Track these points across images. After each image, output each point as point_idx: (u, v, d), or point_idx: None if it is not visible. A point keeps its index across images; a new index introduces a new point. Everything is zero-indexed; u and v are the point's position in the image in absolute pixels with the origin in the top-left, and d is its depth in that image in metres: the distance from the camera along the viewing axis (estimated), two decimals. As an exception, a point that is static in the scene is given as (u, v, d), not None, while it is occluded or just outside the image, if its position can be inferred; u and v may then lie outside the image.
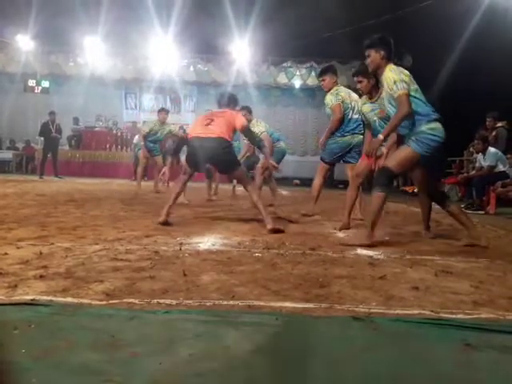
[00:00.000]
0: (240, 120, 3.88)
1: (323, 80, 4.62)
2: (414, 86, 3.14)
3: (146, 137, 7.42)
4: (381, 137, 3.14)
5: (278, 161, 5.93)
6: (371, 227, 3.10)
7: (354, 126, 4.49)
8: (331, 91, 4.50)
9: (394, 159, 3.13)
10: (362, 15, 10.92)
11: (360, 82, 3.83)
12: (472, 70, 9.65)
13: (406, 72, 3.15)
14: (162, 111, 7.54)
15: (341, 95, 4.46)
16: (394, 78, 3.06)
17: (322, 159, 4.78)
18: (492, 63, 8.92)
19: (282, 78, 15.14)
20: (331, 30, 11.62)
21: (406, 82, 3.05)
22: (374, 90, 3.86)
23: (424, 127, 3.07)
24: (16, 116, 14.84)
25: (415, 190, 11.03)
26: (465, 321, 1.57)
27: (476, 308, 1.74)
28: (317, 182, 4.76)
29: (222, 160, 3.81)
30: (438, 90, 11.71)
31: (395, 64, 3.19)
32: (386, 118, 3.58)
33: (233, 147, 3.97)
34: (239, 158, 6.46)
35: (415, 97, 3.10)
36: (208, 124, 3.78)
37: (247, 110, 5.92)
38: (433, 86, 11.71)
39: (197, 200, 6.12)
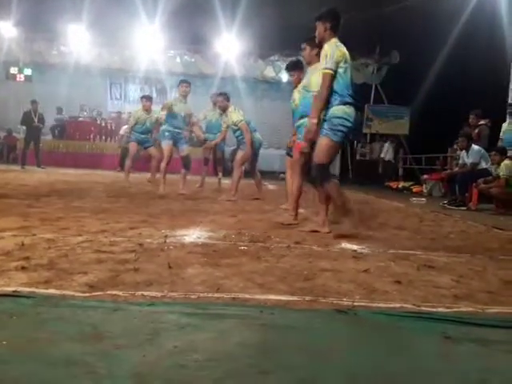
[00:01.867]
0: None
1: (293, 76, 4.60)
2: (345, 65, 3.19)
3: (133, 128, 7.21)
4: (314, 121, 3.20)
5: (255, 151, 5.89)
6: (346, 215, 3.19)
7: None
8: (298, 88, 4.46)
9: (321, 153, 3.22)
10: (351, 8, 10.91)
11: (304, 49, 3.91)
12: (461, 67, 9.75)
13: (344, 50, 3.21)
14: (144, 98, 7.33)
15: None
16: (328, 52, 3.14)
17: (288, 154, 4.77)
18: (481, 61, 9.03)
19: (270, 72, 15.07)
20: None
21: (336, 62, 3.13)
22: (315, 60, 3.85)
23: (335, 109, 3.16)
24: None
25: (399, 186, 11.19)
26: (445, 314, 1.60)
27: (456, 302, 1.78)
28: (288, 176, 4.76)
29: None
30: (425, 87, 11.85)
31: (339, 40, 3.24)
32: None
33: None
34: (214, 143, 6.48)
35: (341, 77, 3.17)
36: None
37: (223, 97, 5.89)
38: (421, 83, 11.84)
39: (175, 193, 6.08)
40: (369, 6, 10.68)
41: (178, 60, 14.75)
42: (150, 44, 13.35)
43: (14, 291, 1.58)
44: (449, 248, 3.02)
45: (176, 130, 6.09)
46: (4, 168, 10.41)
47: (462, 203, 6.71)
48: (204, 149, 7.46)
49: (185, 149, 6.25)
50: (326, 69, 3.12)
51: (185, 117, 6.17)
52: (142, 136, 7.27)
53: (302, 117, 3.86)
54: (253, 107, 14.59)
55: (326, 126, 3.20)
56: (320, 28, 3.27)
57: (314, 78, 3.49)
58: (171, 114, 6.01)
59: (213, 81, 13.75)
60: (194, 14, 11.02)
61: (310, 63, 3.92)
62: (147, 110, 7.21)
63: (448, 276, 2.20)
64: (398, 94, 13.13)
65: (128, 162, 7.53)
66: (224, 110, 5.89)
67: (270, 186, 9.52)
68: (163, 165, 6.05)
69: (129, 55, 14.07)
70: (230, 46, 13.45)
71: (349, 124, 3.18)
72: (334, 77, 3.13)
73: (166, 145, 6.06)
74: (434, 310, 1.65)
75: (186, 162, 6.30)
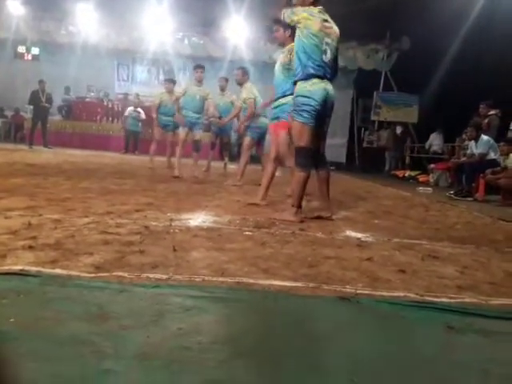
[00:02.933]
0: None
1: (276, 31, 4.21)
2: (307, 31, 3.12)
3: (157, 110, 7.20)
4: None
5: (259, 136, 5.84)
6: (298, 206, 3.21)
7: None
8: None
9: (297, 137, 3.24)
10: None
11: (277, 30, 3.93)
12: (473, 56, 9.60)
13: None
14: (168, 81, 7.44)
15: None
16: None
17: None
18: (494, 50, 8.87)
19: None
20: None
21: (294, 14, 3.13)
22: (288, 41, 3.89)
23: (298, 86, 3.19)
24: (5, 83, 14.48)
25: (406, 175, 11.13)
26: (449, 304, 1.60)
27: (460, 292, 1.78)
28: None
29: None
30: (436, 75, 11.69)
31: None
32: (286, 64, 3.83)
33: None
34: (226, 120, 6.50)
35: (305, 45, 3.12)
36: None
37: (240, 70, 5.86)
38: (432, 71, 11.68)
39: (189, 175, 6.10)
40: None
41: (186, 42, 14.60)
42: (159, 26, 13.22)
43: (21, 270, 1.60)
44: (454, 239, 3.01)
45: (194, 115, 6.34)
46: (11, 147, 10.45)
47: (468, 194, 6.67)
48: (212, 132, 7.51)
49: (197, 133, 6.47)
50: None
51: (200, 99, 6.33)
52: (164, 118, 7.26)
53: (278, 98, 4.01)
54: (261, 91, 14.45)
55: (293, 107, 3.26)
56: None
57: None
58: (187, 98, 6.25)
59: (221, 64, 13.59)
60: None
61: (284, 44, 3.96)
62: (169, 93, 7.22)
63: (452, 267, 2.20)
64: (408, 81, 12.94)
65: (153, 147, 7.52)
66: (241, 84, 5.85)
67: (276, 172, 9.50)
68: (178, 150, 6.33)
69: (137, 36, 13.95)
70: (239, 28, 13.28)
71: (313, 103, 3.13)
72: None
73: (182, 130, 6.39)
74: (438, 299, 1.65)
75: (196, 146, 6.56)
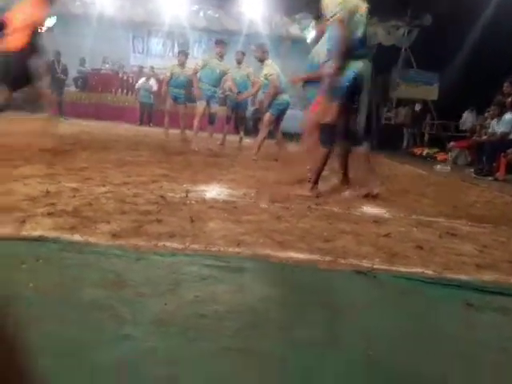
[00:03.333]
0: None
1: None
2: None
3: (168, 83, 7.19)
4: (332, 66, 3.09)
5: (279, 113, 5.79)
6: (314, 181, 3.20)
7: None
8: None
9: (320, 113, 3.18)
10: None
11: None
12: (496, 33, 9.23)
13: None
14: (181, 53, 7.37)
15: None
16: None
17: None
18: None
19: (295, 29, 14.56)
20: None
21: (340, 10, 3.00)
22: None
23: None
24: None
25: (423, 153, 10.94)
26: (468, 282, 1.58)
27: (478, 270, 1.75)
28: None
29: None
30: (457, 52, 11.31)
31: None
32: None
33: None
34: (248, 94, 6.42)
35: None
36: None
37: (259, 47, 5.77)
38: (453, 48, 11.29)
39: (204, 148, 6.08)
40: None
41: (202, 15, 14.33)
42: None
43: (40, 236, 1.62)
44: (473, 217, 2.95)
45: (211, 89, 6.31)
46: (29, 117, 10.52)
47: (488, 173, 6.53)
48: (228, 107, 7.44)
49: (214, 107, 6.46)
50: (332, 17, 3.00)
51: (220, 73, 6.26)
52: (175, 90, 7.24)
53: None
54: (277, 66, 14.21)
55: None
56: None
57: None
58: (207, 71, 6.19)
59: (237, 38, 13.34)
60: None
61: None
62: (181, 65, 7.15)
63: (471, 245, 2.17)
64: (428, 58, 12.55)
65: (166, 119, 7.55)
66: (261, 61, 5.76)
67: (293, 147, 9.41)
68: (195, 123, 6.30)
69: (152, 8, 13.73)
70: (255, 1, 12.96)
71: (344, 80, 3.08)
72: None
73: (200, 104, 6.33)
74: (457, 276, 1.63)
75: (212, 119, 6.58)
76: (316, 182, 3.22)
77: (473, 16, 10.51)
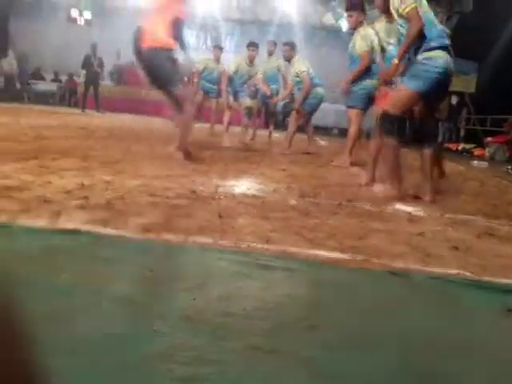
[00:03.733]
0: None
1: (350, 16, 4.25)
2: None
3: (199, 75, 7.19)
4: (396, 61, 2.87)
5: (313, 107, 5.73)
6: (396, 179, 2.97)
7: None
8: (360, 33, 4.16)
9: (391, 99, 2.98)
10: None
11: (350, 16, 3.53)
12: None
13: None
14: (216, 47, 7.37)
15: (371, 39, 4.13)
16: None
17: (353, 107, 4.53)
18: None
19: (329, 19, 14.32)
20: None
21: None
22: None
23: (421, 57, 2.83)
24: (59, 47, 14.90)
25: (459, 148, 10.59)
26: (508, 285, 1.51)
27: (519, 274, 1.67)
28: (353, 130, 4.58)
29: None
30: (499, 41, 10.83)
31: None
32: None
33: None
34: (281, 97, 6.34)
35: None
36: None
37: (289, 46, 5.70)
38: (496, 39, 10.82)
39: (235, 143, 6.09)
40: None
41: (235, 4, 14.30)
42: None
43: (74, 228, 1.65)
44: (512, 216, 2.83)
45: (238, 88, 6.39)
46: (66, 111, 10.85)
47: (529, 170, 6.26)
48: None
49: (248, 101, 6.43)
50: (408, 6, 2.75)
51: (248, 78, 6.30)
52: (208, 85, 7.27)
53: None
54: (310, 56, 14.02)
55: (408, 73, 2.92)
56: None
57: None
58: (236, 76, 6.25)
59: (269, 28, 13.27)
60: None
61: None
62: (216, 60, 7.17)
63: (511, 246, 2.07)
64: (467, 46, 12.06)
65: (194, 110, 7.62)
66: (289, 59, 5.71)
67: (322, 141, 9.31)
68: (225, 118, 6.36)
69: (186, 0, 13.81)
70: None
71: (437, 70, 2.82)
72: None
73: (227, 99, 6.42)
74: (496, 280, 1.56)
75: (249, 113, 6.54)
76: (399, 181, 2.99)
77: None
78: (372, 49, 4.15)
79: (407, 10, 2.77)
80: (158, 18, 3.53)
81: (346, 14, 4.36)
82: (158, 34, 3.45)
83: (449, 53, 2.88)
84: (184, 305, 1.17)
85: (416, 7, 2.77)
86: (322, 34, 15.06)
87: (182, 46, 3.64)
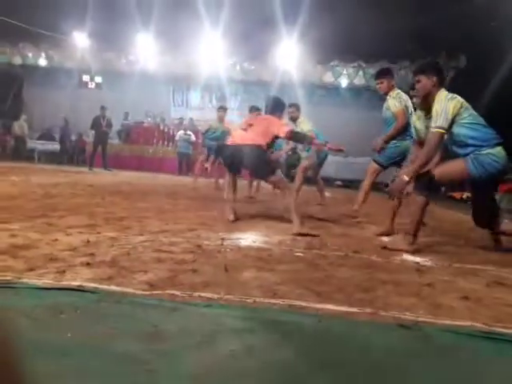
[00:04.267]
0: (283, 129, 3.87)
1: (381, 83, 4.43)
2: (468, 113, 3.02)
3: (204, 134, 7.68)
4: (405, 178, 2.96)
5: (321, 162, 5.91)
6: (413, 234, 3.00)
7: (412, 129, 4.31)
8: (392, 95, 4.32)
9: (442, 167, 3.06)
10: (412, 14, 10.54)
11: (418, 81, 3.28)
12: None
13: (457, 100, 3.01)
14: (220, 109, 7.68)
15: (403, 99, 4.29)
16: (438, 109, 2.98)
17: (376, 161, 4.60)
18: None
19: (328, 77, 14.92)
20: (380, 29, 11.31)
21: (447, 119, 2.94)
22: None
23: (484, 152, 2.95)
24: (70, 109, 15.54)
25: (463, 197, 10.58)
26: (522, 337, 1.46)
27: (533, 324, 1.62)
28: (367, 182, 4.62)
29: (255, 166, 3.90)
30: (494, 92, 11.16)
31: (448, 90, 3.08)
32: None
33: (267, 155, 4.04)
34: (283, 152, 6.45)
35: (471, 123, 3.00)
36: (246, 129, 3.97)
37: (295, 107, 5.91)
38: (489, 89, 11.18)
39: (239, 197, 6.14)
40: (434, 8, 10.27)
41: (238, 68, 15.00)
42: (212, 53, 13.71)
43: (79, 286, 1.65)
44: (522, 265, 2.78)
45: None
46: (74, 169, 11.09)
47: (536, 217, 6.20)
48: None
49: None
50: (437, 127, 2.94)
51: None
52: (211, 143, 7.52)
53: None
54: (310, 113, 14.45)
55: (472, 155, 2.98)
56: (426, 82, 3.10)
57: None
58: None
59: (270, 87, 13.82)
60: (255, 22, 11.16)
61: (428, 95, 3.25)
62: (220, 121, 7.49)
63: (522, 295, 2.03)
64: (465, 99, 12.46)
65: (198, 167, 7.97)
66: (295, 120, 5.93)
67: (326, 193, 9.36)
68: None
69: (191, 63, 14.54)
70: (290, 51, 13.47)
71: (496, 165, 2.95)
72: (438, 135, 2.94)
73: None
74: (509, 331, 1.51)
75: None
76: (416, 235, 3.03)
77: (508, 55, 10.43)
78: (406, 108, 4.25)
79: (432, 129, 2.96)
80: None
81: (376, 82, 4.53)
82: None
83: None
84: (190, 363, 1.15)
85: (440, 132, 2.95)
86: (321, 92, 15.62)
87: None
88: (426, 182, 3.02)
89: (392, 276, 2.21)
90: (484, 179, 2.99)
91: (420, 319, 1.58)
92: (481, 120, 3.07)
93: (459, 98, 3.05)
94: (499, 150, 2.98)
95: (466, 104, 3.06)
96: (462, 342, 1.40)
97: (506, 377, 1.21)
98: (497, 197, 9.06)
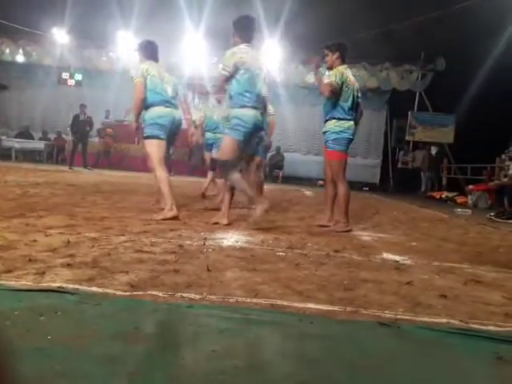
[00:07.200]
0: None
1: (326, 55, 4.33)
2: (242, 71, 3.55)
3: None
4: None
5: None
6: (254, 203, 3.47)
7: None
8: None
9: (221, 150, 3.58)
10: (396, 14, 10.70)
11: (326, 55, 4.04)
12: (510, 75, 9.34)
13: (241, 55, 3.68)
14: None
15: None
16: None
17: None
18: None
19: (311, 78, 15.01)
20: (360, 31, 11.43)
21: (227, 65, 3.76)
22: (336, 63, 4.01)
23: (233, 111, 3.48)
24: (49, 107, 15.25)
25: (443, 196, 10.80)
26: (497, 333, 1.50)
27: (508, 320, 1.67)
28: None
29: None
30: (472, 94, 11.43)
31: None
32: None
33: None
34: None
35: (237, 82, 3.53)
36: None
37: None
38: (468, 91, 11.43)
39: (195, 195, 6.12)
40: (413, 12, 10.45)
41: (221, 66, 14.94)
42: (194, 51, 13.63)
43: (59, 287, 1.63)
44: (498, 263, 2.86)
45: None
46: (53, 168, 10.89)
47: (510, 216, 6.38)
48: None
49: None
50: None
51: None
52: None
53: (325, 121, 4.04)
54: (293, 113, 14.57)
55: (228, 125, 3.54)
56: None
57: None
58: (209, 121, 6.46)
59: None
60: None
61: (331, 68, 4.03)
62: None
63: (498, 292, 2.08)
64: (444, 101, 12.72)
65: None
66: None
67: (307, 192, 9.44)
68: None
69: (173, 62, 14.41)
70: (272, 51, 13.50)
71: (245, 125, 3.42)
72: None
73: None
74: (485, 327, 1.56)
75: (213, 165, 6.72)
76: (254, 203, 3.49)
77: (487, 57, 10.69)
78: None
79: None
80: None
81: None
82: None
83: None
84: (172, 363, 1.14)
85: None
86: (304, 93, 15.69)
87: None
88: (223, 168, 3.57)
89: (373, 274, 2.25)
90: (244, 138, 3.48)
91: (399, 317, 1.61)
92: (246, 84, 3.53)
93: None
94: (246, 111, 3.45)
95: (247, 64, 3.60)
96: (440, 339, 1.43)
97: (482, 373, 1.25)
98: (474, 196, 9.30)
